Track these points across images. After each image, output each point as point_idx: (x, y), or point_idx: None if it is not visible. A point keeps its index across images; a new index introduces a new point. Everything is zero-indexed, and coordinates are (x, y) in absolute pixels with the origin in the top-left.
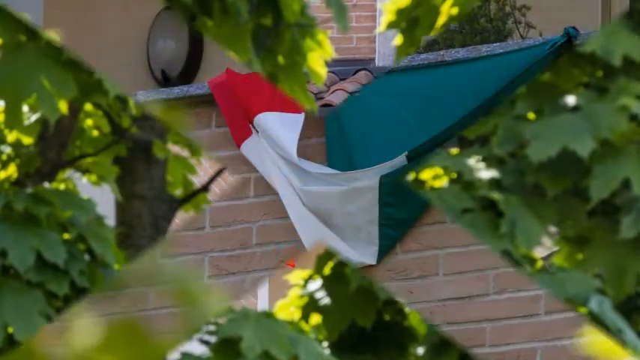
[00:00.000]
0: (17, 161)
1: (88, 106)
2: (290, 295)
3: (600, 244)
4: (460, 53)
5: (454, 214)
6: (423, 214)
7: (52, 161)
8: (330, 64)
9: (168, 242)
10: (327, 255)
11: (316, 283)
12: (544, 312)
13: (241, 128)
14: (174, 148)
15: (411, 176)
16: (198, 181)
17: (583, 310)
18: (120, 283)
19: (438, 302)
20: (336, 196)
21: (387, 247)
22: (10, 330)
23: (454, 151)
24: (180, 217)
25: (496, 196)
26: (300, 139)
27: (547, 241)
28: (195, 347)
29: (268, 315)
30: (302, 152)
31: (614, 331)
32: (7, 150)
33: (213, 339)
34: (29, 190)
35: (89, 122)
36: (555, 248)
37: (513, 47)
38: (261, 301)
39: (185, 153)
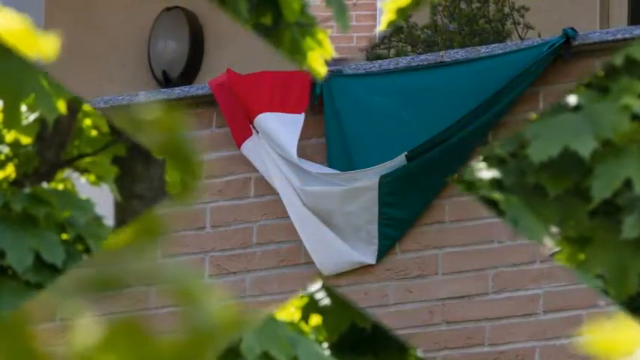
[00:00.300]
0: (15, 161)
1: (87, 106)
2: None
3: (602, 244)
4: (459, 54)
5: None
6: (422, 213)
7: (51, 161)
8: (330, 63)
9: (168, 242)
10: None
11: (316, 284)
12: (543, 311)
13: (242, 128)
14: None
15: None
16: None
17: None
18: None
19: (437, 301)
20: (336, 196)
21: (386, 246)
22: None
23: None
24: (181, 216)
25: (497, 196)
26: (300, 139)
27: (548, 241)
28: None
29: (268, 316)
30: (302, 152)
31: None
32: (6, 150)
33: None
34: (27, 190)
35: (88, 122)
36: (557, 248)
37: (512, 48)
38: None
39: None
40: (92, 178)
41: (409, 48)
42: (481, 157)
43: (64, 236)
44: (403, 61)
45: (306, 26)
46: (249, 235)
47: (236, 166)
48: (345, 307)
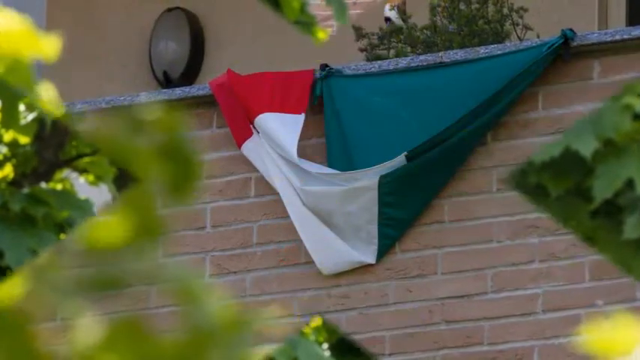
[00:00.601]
0: (13, 161)
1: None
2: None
3: (603, 244)
4: (459, 55)
5: None
6: (422, 213)
7: (49, 161)
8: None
9: (169, 242)
10: None
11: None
12: (541, 310)
13: (242, 129)
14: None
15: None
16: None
17: None
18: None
19: (437, 301)
20: (335, 195)
21: (386, 246)
22: None
23: None
24: (182, 216)
25: None
26: (300, 139)
27: None
28: None
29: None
30: (302, 152)
31: None
32: (4, 150)
33: None
34: (26, 190)
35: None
36: None
37: (511, 49)
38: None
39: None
40: (91, 178)
41: (409, 49)
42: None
43: (63, 236)
44: (403, 62)
45: (306, 25)
46: (250, 234)
47: (236, 166)
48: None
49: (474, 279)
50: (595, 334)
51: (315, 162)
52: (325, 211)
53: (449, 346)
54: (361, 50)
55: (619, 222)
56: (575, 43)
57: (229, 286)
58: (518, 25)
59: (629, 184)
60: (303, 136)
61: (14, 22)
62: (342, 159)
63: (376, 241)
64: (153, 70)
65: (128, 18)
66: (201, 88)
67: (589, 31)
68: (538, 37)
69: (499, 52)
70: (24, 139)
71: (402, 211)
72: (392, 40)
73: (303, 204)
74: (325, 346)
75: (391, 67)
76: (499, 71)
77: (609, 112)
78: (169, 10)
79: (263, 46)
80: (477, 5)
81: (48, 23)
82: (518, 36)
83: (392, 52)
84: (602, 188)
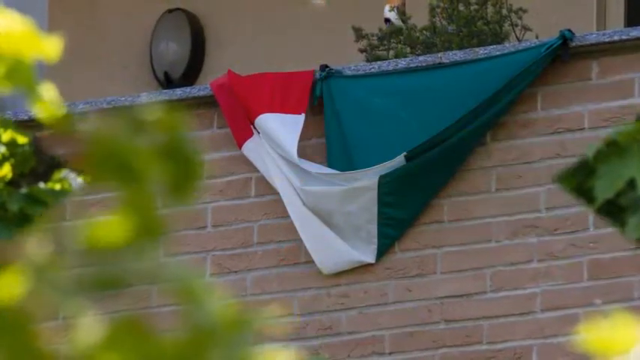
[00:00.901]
0: (12, 161)
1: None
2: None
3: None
4: (458, 55)
5: None
6: (421, 213)
7: (48, 161)
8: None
9: (170, 241)
10: None
11: None
12: (540, 310)
13: (243, 129)
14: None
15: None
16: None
17: None
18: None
19: (436, 300)
20: (335, 195)
21: (386, 245)
22: None
23: None
24: (183, 216)
25: None
26: (300, 139)
27: None
28: None
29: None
30: (302, 152)
31: None
32: (2, 149)
33: None
34: (24, 190)
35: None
36: None
37: (510, 49)
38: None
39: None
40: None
41: (408, 49)
42: None
43: None
44: (402, 63)
45: None
46: (250, 234)
47: (237, 166)
48: None
49: (473, 278)
50: (593, 333)
51: (315, 162)
52: (325, 211)
53: (448, 345)
54: (361, 51)
55: (621, 222)
56: (573, 44)
57: (230, 285)
58: (517, 25)
59: (631, 184)
60: (303, 137)
61: (16, 23)
62: (342, 159)
63: (376, 240)
64: (154, 71)
65: (129, 19)
66: (201, 88)
67: (587, 32)
68: (537, 37)
69: (498, 53)
70: (22, 139)
71: (401, 210)
72: (392, 40)
73: (304, 204)
74: None
75: (391, 68)
76: (498, 72)
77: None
78: (170, 11)
79: (263, 47)
80: (476, 6)
81: (49, 24)
82: (517, 37)
83: (391, 52)
84: (604, 188)
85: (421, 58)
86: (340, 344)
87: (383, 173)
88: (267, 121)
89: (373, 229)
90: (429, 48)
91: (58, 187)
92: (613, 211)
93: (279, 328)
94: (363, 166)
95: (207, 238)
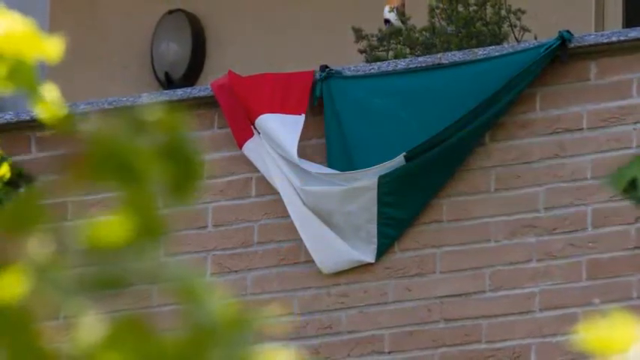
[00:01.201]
0: (10, 161)
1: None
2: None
3: None
4: (457, 56)
5: None
6: (420, 213)
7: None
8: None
9: (171, 241)
10: None
11: None
12: (539, 309)
13: (243, 129)
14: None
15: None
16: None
17: None
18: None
19: (436, 299)
20: (335, 195)
21: (385, 245)
22: None
23: None
24: (183, 216)
25: None
26: (301, 139)
27: None
28: None
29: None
30: (302, 152)
31: None
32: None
33: None
34: (22, 190)
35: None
36: None
37: (509, 50)
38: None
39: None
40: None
41: (408, 50)
42: None
43: None
44: (402, 63)
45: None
46: (251, 234)
47: (237, 167)
48: None
49: (472, 278)
50: (592, 333)
51: (315, 162)
52: (325, 211)
53: (447, 344)
54: (361, 52)
55: None
56: (572, 45)
57: (230, 284)
58: (515, 26)
59: (632, 183)
60: (304, 137)
61: (17, 24)
62: (342, 159)
63: (375, 240)
64: (154, 71)
65: (130, 20)
66: (202, 89)
67: (586, 33)
68: (536, 38)
69: (497, 54)
70: None
71: (401, 210)
72: (391, 41)
73: (304, 204)
74: None
75: (390, 69)
76: (497, 72)
77: None
78: (171, 11)
79: (263, 47)
80: (475, 7)
81: (51, 25)
82: (515, 37)
83: (391, 53)
84: (607, 189)
85: (421, 58)
86: (340, 343)
87: (383, 173)
88: (268, 121)
89: (373, 228)
90: (428, 49)
91: None
92: None
93: (279, 328)
94: (363, 166)
95: (208, 237)
